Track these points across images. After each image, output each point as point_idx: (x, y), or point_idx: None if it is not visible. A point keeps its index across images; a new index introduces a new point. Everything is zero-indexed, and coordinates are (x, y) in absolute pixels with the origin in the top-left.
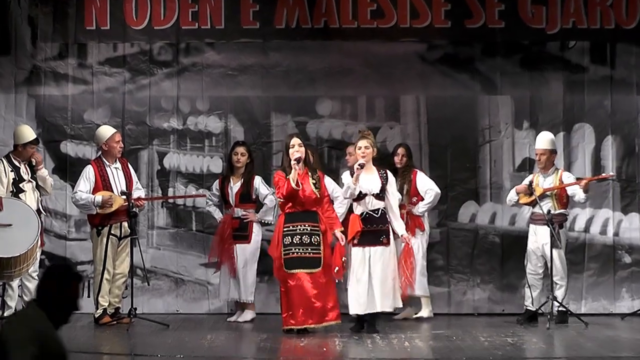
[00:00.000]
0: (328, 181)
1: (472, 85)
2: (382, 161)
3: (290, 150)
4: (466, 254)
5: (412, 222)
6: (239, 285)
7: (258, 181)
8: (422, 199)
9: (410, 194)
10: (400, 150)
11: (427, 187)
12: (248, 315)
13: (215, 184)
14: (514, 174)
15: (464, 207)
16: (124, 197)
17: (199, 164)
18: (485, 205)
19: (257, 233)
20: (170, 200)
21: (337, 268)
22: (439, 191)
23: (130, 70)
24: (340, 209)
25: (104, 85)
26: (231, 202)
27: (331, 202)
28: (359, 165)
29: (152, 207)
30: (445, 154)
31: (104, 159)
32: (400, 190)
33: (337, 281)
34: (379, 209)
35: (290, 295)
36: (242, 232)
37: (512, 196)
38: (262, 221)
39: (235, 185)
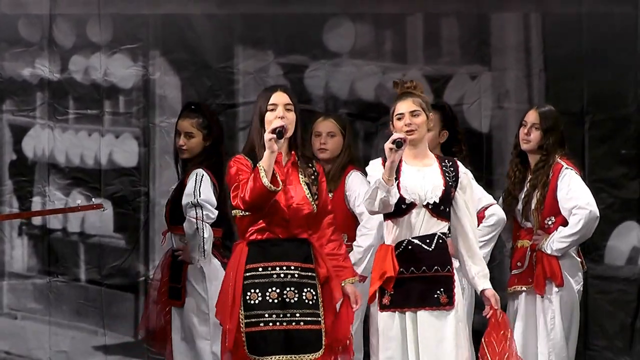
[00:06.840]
0: (355, 180)
1: None
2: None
3: (268, 116)
4: (621, 327)
5: (541, 269)
6: None
7: (197, 177)
8: (562, 222)
9: (544, 212)
10: (532, 117)
11: (575, 200)
12: None
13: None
14: None
15: (618, 234)
16: None
17: (92, 149)
18: None
19: (196, 283)
20: (37, 221)
21: (340, 348)
22: (596, 211)
23: None
24: (366, 240)
25: None
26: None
27: (354, 224)
28: (394, 142)
29: (0, 236)
30: (577, 130)
31: None
32: (526, 202)
33: None
34: (434, 234)
35: None
36: (174, 282)
37: None
38: (191, 262)
39: (172, 189)
